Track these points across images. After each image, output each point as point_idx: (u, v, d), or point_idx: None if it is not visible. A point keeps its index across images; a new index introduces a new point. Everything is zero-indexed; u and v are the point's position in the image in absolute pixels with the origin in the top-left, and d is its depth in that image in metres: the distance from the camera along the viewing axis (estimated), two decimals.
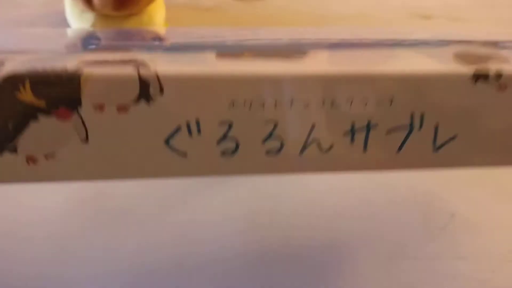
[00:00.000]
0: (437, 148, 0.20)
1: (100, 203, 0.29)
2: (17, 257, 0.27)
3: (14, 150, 0.19)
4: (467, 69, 0.20)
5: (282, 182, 0.31)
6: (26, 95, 0.18)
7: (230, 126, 0.19)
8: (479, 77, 0.20)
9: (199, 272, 0.27)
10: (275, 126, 0.19)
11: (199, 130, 0.19)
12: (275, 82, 0.19)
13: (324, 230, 0.29)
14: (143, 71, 0.18)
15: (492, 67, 0.20)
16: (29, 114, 0.18)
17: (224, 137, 0.19)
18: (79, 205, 0.29)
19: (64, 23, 0.42)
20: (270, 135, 0.20)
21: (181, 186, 0.31)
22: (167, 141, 0.19)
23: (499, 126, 0.20)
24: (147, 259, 0.28)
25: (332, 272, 0.27)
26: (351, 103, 0.19)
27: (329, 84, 0.19)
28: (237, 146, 0.20)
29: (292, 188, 0.31)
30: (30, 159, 0.19)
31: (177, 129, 0.19)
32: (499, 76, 0.20)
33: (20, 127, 0.18)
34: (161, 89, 0.19)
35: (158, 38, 0.25)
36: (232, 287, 0.26)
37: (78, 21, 0.41)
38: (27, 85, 0.18)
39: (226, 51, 0.21)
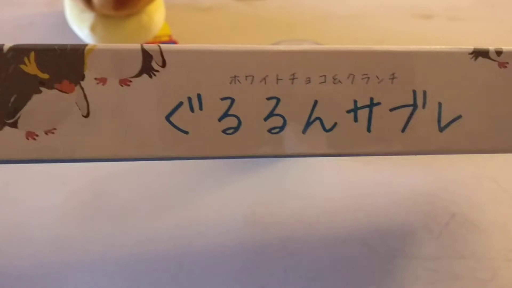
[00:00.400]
0: (443, 128, 0.20)
1: (100, 205, 0.29)
2: (17, 258, 0.26)
3: (15, 125, 0.19)
4: (467, 48, 0.20)
5: (280, 182, 0.31)
6: (31, 67, 0.18)
7: (232, 103, 0.19)
8: (479, 53, 0.20)
9: (198, 271, 0.26)
10: (278, 102, 0.19)
11: (201, 107, 0.19)
12: (276, 57, 0.19)
13: (324, 229, 0.28)
14: (146, 45, 0.19)
15: (492, 47, 0.20)
16: (32, 87, 0.18)
17: (226, 114, 0.19)
18: (79, 206, 0.29)
19: (64, 23, 0.43)
20: (272, 112, 0.19)
21: (180, 188, 0.30)
22: (168, 117, 0.19)
23: (505, 107, 0.20)
24: (147, 259, 0.27)
25: (331, 272, 0.26)
26: (353, 79, 0.19)
27: (330, 60, 0.19)
28: (239, 124, 0.19)
29: (291, 186, 0.30)
30: (30, 135, 0.19)
31: (179, 105, 0.19)
32: (499, 52, 0.20)
33: (22, 101, 0.18)
34: (164, 63, 0.19)
35: None
36: (231, 285, 0.25)
37: (78, 21, 0.42)
38: (32, 57, 0.18)
39: None
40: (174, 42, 0.47)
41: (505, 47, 0.20)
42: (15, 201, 0.28)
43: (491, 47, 0.20)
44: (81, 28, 0.42)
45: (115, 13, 0.40)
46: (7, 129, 0.18)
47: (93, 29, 0.41)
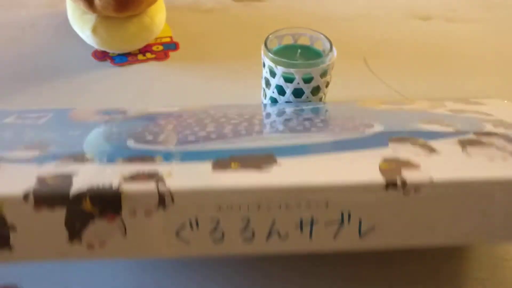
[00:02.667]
0: (362, 235, 0.29)
1: None
2: None
3: (79, 240, 0.29)
4: (381, 180, 0.29)
5: None
6: (87, 206, 0.28)
7: (218, 222, 0.29)
8: (390, 185, 0.29)
9: (199, 270, 0.32)
10: (248, 221, 0.29)
11: (197, 226, 0.29)
12: (247, 193, 0.28)
13: None
14: (161, 188, 0.28)
15: (399, 178, 0.29)
16: (89, 218, 0.29)
17: (214, 230, 0.29)
18: None
19: (66, 24, 0.44)
20: (245, 228, 0.29)
21: None
22: (177, 233, 0.29)
23: (405, 220, 0.29)
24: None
25: (331, 271, 0.30)
26: (299, 206, 0.29)
27: (282, 194, 0.28)
28: (223, 236, 0.29)
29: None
30: (90, 246, 0.29)
31: (183, 225, 0.29)
32: (404, 184, 0.29)
33: (83, 226, 0.29)
34: (172, 199, 0.28)
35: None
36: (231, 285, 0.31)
37: (80, 22, 0.43)
38: (88, 199, 0.28)
39: (218, 157, 0.31)
40: (175, 43, 0.47)
41: (408, 180, 0.29)
42: None
43: (398, 180, 0.29)
44: (82, 29, 0.43)
45: (117, 15, 0.41)
46: (75, 243, 0.29)
47: (94, 30, 0.42)
